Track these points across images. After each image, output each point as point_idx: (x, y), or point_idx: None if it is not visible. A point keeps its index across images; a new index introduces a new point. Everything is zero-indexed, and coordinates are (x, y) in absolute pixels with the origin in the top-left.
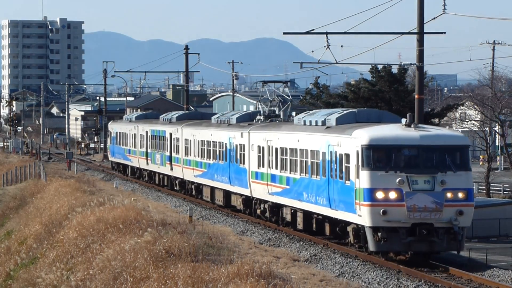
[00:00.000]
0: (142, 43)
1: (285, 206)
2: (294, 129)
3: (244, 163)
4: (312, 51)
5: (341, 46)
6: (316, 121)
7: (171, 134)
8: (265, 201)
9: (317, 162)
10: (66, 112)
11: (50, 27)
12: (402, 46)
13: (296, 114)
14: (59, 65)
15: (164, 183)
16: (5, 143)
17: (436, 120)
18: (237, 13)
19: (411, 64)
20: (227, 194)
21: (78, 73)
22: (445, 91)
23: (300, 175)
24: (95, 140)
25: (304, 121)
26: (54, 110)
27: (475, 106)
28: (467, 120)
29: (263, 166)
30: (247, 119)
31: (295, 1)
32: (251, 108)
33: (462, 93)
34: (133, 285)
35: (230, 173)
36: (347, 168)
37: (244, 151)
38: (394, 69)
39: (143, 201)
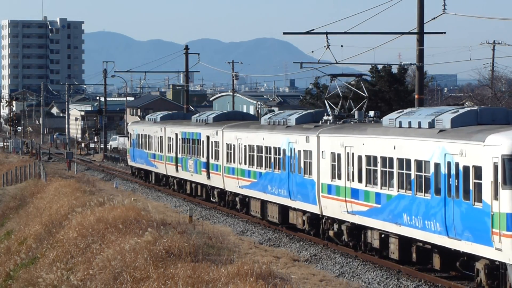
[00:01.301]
0: (142, 43)
1: (371, 229)
2: (386, 133)
3: (310, 174)
4: (312, 51)
5: (341, 46)
6: (420, 123)
7: (208, 138)
8: (341, 221)
9: (425, 176)
10: (66, 112)
11: (50, 27)
12: (402, 46)
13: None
14: (59, 65)
15: (197, 193)
16: (5, 143)
17: None
18: (237, 13)
19: (411, 64)
20: (284, 210)
21: (78, 73)
22: (445, 91)
23: (398, 191)
24: (95, 140)
25: (400, 123)
26: (54, 110)
27: (475, 106)
28: None
29: (338, 178)
30: (309, 120)
31: (295, 1)
32: (251, 108)
33: (462, 93)
34: (133, 285)
35: (290, 185)
36: (477, 186)
37: (310, 158)
38: (394, 69)
39: (143, 201)
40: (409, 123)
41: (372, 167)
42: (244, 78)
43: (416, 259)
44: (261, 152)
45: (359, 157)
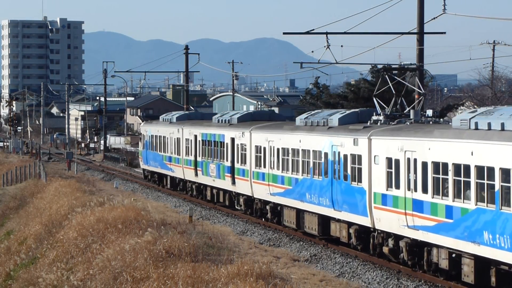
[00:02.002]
0: (142, 43)
1: (439, 247)
2: (460, 136)
3: (359, 181)
4: (312, 51)
5: (341, 46)
6: (503, 124)
7: (233, 140)
8: (399, 237)
9: None
10: (66, 112)
11: (50, 27)
12: (402, 46)
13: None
14: (59, 65)
15: (219, 199)
16: (5, 143)
17: None
18: (237, 13)
19: (411, 64)
20: (325, 221)
21: (78, 73)
22: (445, 91)
23: (477, 204)
24: (95, 140)
25: (476, 124)
26: (54, 110)
27: (475, 106)
28: None
29: (396, 187)
30: (354, 120)
31: (295, 1)
32: (251, 108)
33: (462, 93)
34: (133, 285)
35: (333, 194)
36: None
37: (359, 164)
38: None
39: (143, 201)
40: (489, 124)
41: (441, 176)
42: (244, 78)
43: (495, 283)
44: (297, 156)
45: (424, 164)
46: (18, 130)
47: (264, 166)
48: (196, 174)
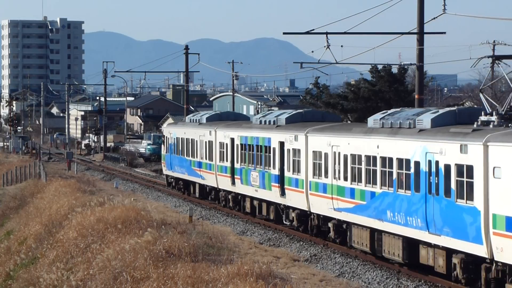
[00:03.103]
0: (142, 43)
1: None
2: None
3: (470, 199)
4: (312, 51)
5: (341, 46)
6: None
7: (282, 144)
8: None
9: None
10: (66, 112)
11: (50, 27)
12: (402, 46)
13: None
14: (59, 65)
15: (261, 211)
16: (5, 143)
17: None
18: (237, 13)
19: (411, 64)
20: (412, 245)
21: (78, 73)
22: (445, 91)
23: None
24: (95, 140)
25: (392, 124)
26: (54, 110)
27: (475, 106)
28: None
29: None
30: (451, 121)
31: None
32: (251, 108)
33: (462, 93)
34: (133, 285)
35: (428, 213)
36: None
37: (470, 177)
38: (394, 69)
39: (143, 201)
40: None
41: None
42: (244, 78)
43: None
44: (374, 165)
45: None
46: (18, 130)
47: (326, 176)
48: (233, 183)
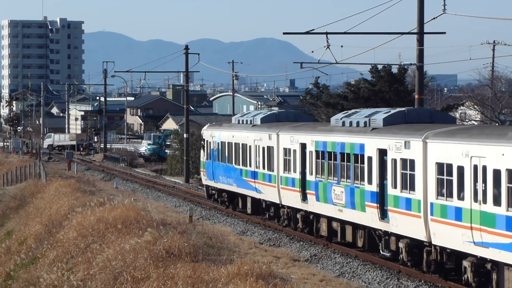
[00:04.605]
0: (142, 43)
1: None
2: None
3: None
4: (312, 51)
5: (341, 46)
6: None
7: (382, 152)
8: None
9: None
10: (66, 112)
11: (50, 27)
12: (402, 46)
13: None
14: (59, 65)
15: (344, 236)
16: (5, 143)
17: None
18: (237, 13)
19: (411, 64)
20: None
21: (78, 73)
22: (445, 91)
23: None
24: (95, 140)
25: (351, 123)
26: (54, 110)
27: (475, 106)
28: (467, 120)
29: None
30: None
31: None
32: (251, 108)
33: (462, 93)
34: (133, 285)
35: None
36: None
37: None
38: (394, 69)
39: (143, 201)
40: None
41: None
42: (244, 78)
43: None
44: None
45: None
46: (18, 130)
47: (461, 198)
48: (304, 199)
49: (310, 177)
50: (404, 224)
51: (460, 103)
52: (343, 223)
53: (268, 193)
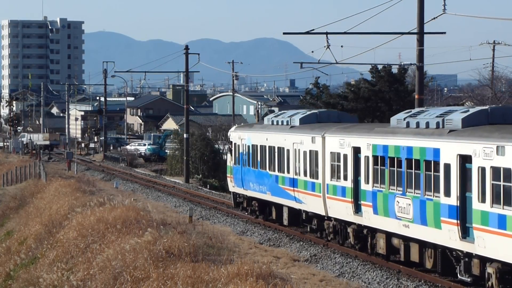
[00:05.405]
0: (142, 43)
1: None
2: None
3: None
4: (312, 51)
5: (341, 46)
6: None
7: (463, 159)
8: None
9: None
10: (66, 112)
11: (50, 27)
12: (402, 46)
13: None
14: (59, 65)
15: (407, 255)
16: (5, 143)
17: None
18: (237, 13)
19: (411, 64)
20: None
21: (78, 73)
22: (445, 91)
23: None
24: (95, 140)
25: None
26: (54, 110)
27: (475, 106)
28: None
29: None
30: None
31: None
32: (251, 108)
33: (462, 93)
34: (133, 285)
35: None
36: None
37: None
38: (394, 69)
39: (143, 201)
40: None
41: None
42: (244, 78)
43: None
44: None
45: None
46: (18, 130)
47: None
48: (357, 211)
49: (365, 186)
50: (494, 246)
51: (460, 103)
52: (406, 239)
53: (311, 203)
